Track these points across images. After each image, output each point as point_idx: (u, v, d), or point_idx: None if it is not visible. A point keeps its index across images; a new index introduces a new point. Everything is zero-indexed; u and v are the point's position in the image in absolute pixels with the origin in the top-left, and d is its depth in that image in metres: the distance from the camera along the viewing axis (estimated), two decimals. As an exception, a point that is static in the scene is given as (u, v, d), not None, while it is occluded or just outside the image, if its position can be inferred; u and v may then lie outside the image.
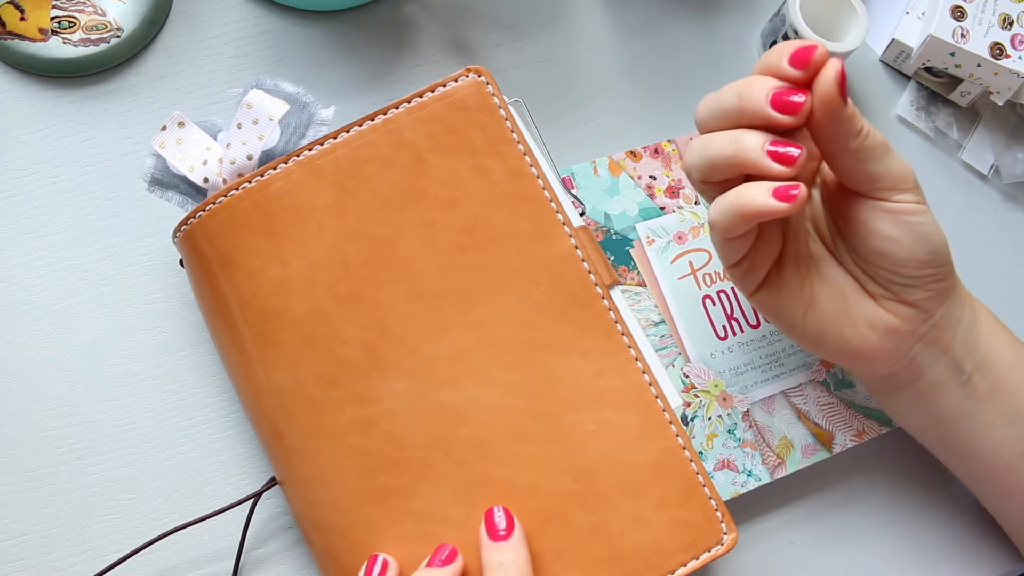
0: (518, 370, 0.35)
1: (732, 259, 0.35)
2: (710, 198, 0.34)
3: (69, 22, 0.44)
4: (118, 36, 0.45)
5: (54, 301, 0.42)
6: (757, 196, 0.30)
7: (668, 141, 0.46)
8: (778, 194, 0.30)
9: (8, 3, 0.44)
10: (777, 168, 0.30)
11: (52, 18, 0.44)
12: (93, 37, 0.44)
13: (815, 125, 0.31)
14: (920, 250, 0.33)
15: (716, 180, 0.33)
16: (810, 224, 0.37)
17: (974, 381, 0.37)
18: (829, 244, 0.36)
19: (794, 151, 0.30)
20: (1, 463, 0.39)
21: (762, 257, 0.35)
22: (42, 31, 0.44)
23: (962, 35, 0.50)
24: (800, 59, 0.30)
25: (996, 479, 0.39)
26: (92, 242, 0.43)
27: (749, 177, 0.32)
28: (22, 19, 0.44)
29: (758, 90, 0.31)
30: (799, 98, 0.30)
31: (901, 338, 0.35)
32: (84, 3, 0.44)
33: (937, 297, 0.35)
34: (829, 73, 0.30)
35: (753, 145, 0.30)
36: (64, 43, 0.44)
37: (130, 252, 0.43)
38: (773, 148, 0.30)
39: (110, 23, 0.45)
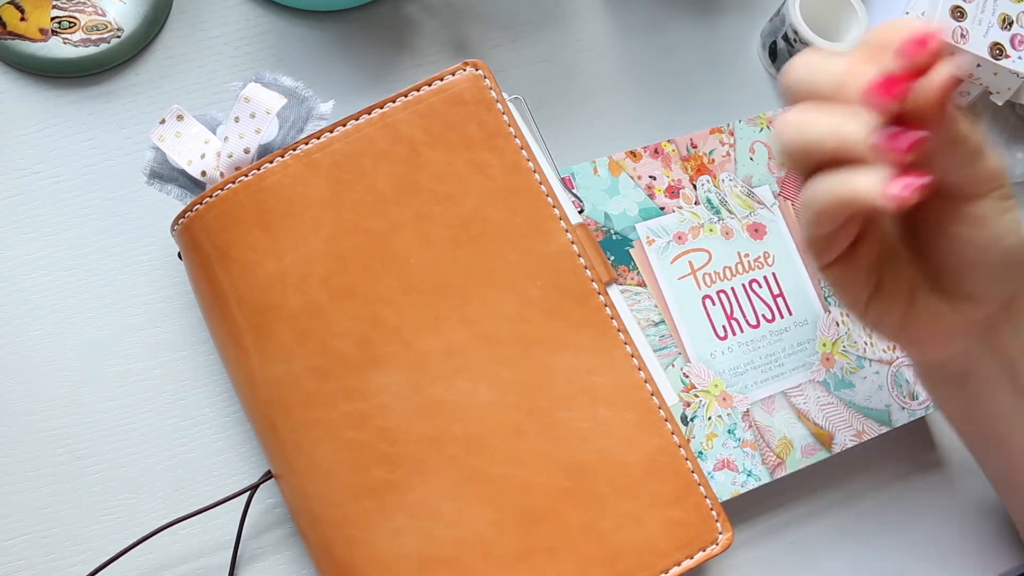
0: (512, 366, 0.35)
1: (814, 234, 0.31)
2: (801, 175, 0.31)
3: (69, 22, 0.44)
4: (118, 36, 0.45)
5: (54, 301, 0.42)
6: (870, 187, 0.26)
7: (668, 141, 0.46)
8: (896, 188, 0.26)
9: (8, 3, 0.44)
10: (891, 160, 0.26)
11: (52, 18, 0.44)
12: (93, 37, 0.44)
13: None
14: (996, 251, 0.30)
15: (811, 165, 0.29)
16: None
17: None
18: (899, 227, 0.34)
19: (910, 138, 0.26)
20: (1, 463, 0.39)
21: (844, 235, 0.31)
22: (42, 31, 0.44)
23: (962, 35, 0.50)
24: (912, 50, 0.25)
25: None
26: (92, 242, 0.43)
27: None
28: (22, 19, 0.44)
29: (856, 83, 0.27)
30: (896, 90, 0.26)
31: (961, 331, 0.33)
32: (84, 3, 0.44)
33: (1004, 295, 0.33)
34: (934, 83, 0.25)
35: (859, 139, 0.26)
36: (64, 43, 0.44)
37: (130, 252, 0.43)
38: (886, 141, 0.26)
39: (110, 23, 0.45)
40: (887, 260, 0.33)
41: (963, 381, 0.36)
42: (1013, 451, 0.38)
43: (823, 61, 0.28)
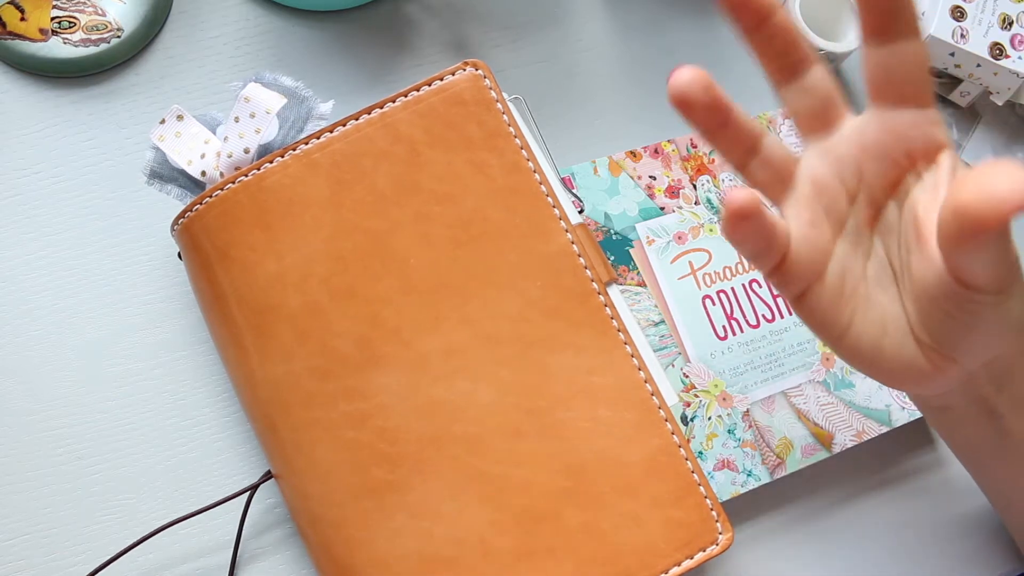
0: (512, 366, 0.35)
1: (760, 267, 0.31)
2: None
3: (69, 22, 0.44)
4: (118, 36, 0.45)
5: (54, 301, 0.42)
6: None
7: (668, 141, 0.46)
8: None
9: (8, 3, 0.44)
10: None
11: (52, 18, 0.44)
12: (93, 37, 0.44)
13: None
14: (985, 334, 0.29)
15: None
16: (880, 240, 0.32)
17: (1008, 423, 0.34)
18: (896, 268, 0.31)
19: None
20: (1, 463, 0.39)
21: (794, 275, 0.30)
22: (42, 31, 0.44)
23: (962, 35, 0.50)
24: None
25: None
26: (92, 242, 0.43)
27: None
28: (22, 19, 0.44)
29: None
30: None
31: (935, 381, 0.31)
32: (84, 3, 0.44)
33: (986, 358, 0.31)
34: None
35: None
36: (64, 43, 0.44)
37: (130, 252, 0.43)
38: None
39: (110, 23, 0.45)
40: (863, 301, 0.31)
41: (943, 412, 0.35)
42: (998, 474, 0.37)
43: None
